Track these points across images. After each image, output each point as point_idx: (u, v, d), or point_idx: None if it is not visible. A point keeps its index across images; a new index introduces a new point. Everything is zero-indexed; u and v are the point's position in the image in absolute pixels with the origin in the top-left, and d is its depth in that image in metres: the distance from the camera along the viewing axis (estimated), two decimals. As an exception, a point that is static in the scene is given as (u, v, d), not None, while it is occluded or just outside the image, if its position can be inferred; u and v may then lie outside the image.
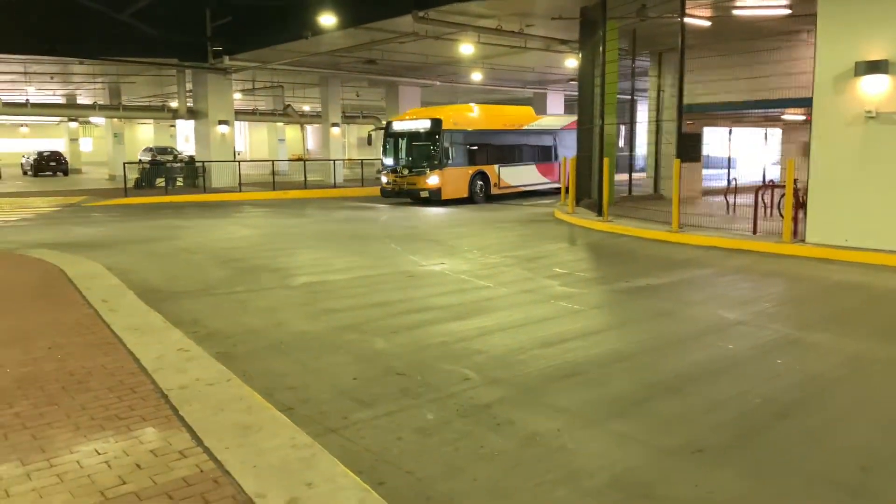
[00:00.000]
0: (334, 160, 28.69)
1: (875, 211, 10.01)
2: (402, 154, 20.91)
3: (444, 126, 19.70)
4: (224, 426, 3.83)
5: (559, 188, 23.02)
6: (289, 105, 34.74)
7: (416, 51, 21.61)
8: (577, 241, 12.82)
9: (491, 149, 21.44)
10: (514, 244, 12.30)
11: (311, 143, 49.71)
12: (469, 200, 20.51)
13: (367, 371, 5.32)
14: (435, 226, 15.40)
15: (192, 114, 27.07)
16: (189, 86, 27.17)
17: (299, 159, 36.53)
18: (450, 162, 19.99)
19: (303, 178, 26.97)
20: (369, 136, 24.47)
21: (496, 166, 21.58)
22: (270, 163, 28.25)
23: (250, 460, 3.42)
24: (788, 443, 4.06)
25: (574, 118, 24.94)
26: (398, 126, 21.07)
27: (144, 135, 56.61)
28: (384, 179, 21.17)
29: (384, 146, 21.43)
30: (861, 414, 4.54)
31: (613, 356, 5.70)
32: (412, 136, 20.64)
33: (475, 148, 20.88)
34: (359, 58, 23.44)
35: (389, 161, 21.15)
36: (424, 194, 19.79)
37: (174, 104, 29.32)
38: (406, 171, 20.25)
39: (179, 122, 34.68)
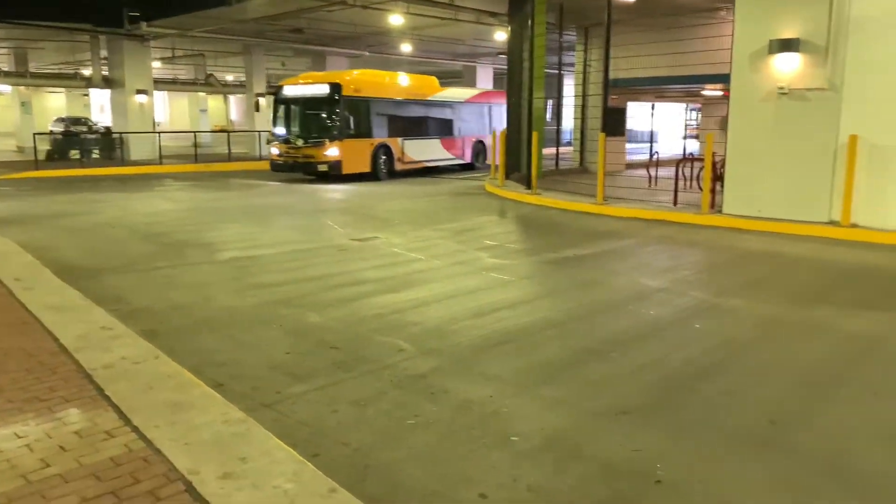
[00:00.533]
0: (259, 132, 27.94)
1: (786, 183, 10.55)
2: (296, 123, 18.95)
3: (344, 92, 18.02)
4: (153, 405, 3.75)
5: (463, 164, 22.78)
6: (211, 74, 33.57)
7: (345, 20, 21.17)
8: (506, 214, 13.00)
9: (395, 120, 19.96)
10: (445, 217, 12.35)
11: (235, 113, 48.23)
12: (372, 176, 19.14)
13: (300, 345, 5.29)
14: (361, 201, 15.29)
15: (107, 83, 25.82)
16: (104, 53, 25.85)
17: (222, 131, 35.39)
18: (351, 132, 18.24)
19: (226, 151, 26.19)
20: (256, 102, 22.54)
21: (400, 139, 20.08)
22: (192, 134, 27.28)
23: (182, 437, 3.36)
24: (707, 402, 4.29)
25: (478, 90, 25.02)
26: (291, 91, 18.95)
27: (56, 104, 53.49)
28: (275, 151, 19.04)
29: (274, 114, 19.38)
30: (773, 373, 4.83)
31: (543, 324, 5.85)
32: (307, 102, 18.70)
33: (378, 118, 19.31)
34: (285, 26, 22.80)
35: (281, 131, 19.08)
36: (323, 168, 18.04)
37: (88, 72, 27.88)
38: (301, 143, 18.35)
39: (94, 92, 32.99)
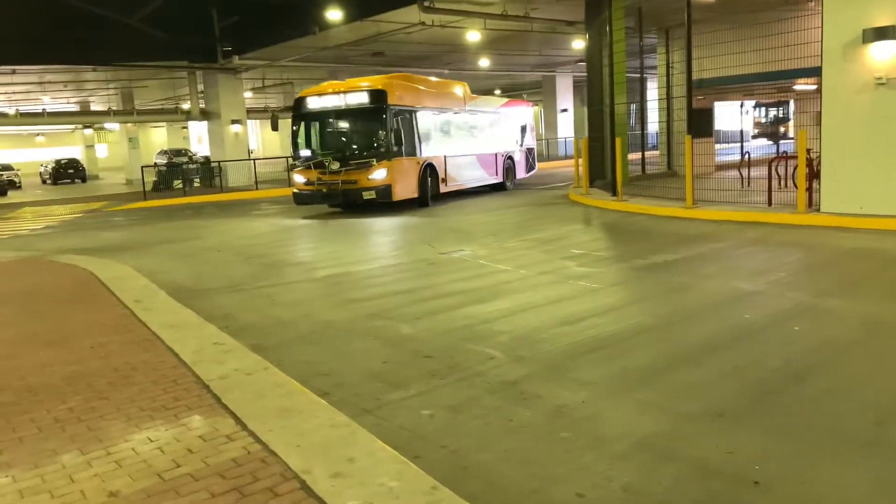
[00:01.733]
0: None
1: (888, 177, 10.05)
2: (328, 142, 15.89)
3: (390, 100, 14.94)
4: (266, 411, 4.05)
5: (494, 184, 19.76)
6: (299, 101, 34.95)
7: (423, 40, 21.72)
8: (592, 222, 12.95)
9: (437, 134, 17.17)
10: (529, 228, 12.44)
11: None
12: (418, 202, 16.18)
13: (396, 355, 5.53)
14: (439, 221, 15.56)
15: (204, 115, 27.41)
16: (200, 87, 27.49)
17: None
18: (400, 149, 15.19)
19: (317, 173, 27.19)
20: (273, 118, 17.32)
21: (443, 156, 17.23)
22: (285, 160, 28.51)
23: (293, 441, 3.63)
24: (806, 404, 4.21)
25: (506, 99, 22.78)
26: (317, 103, 15.60)
27: (158, 138, 57.16)
28: (300, 179, 15.58)
29: (294, 133, 15.86)
30: (875, 374, 4.67)
31: (633, 330, 5.86)
32: (342, 115, 15.70)
33: (424, 132, 16.34)
34: (366, 50, 23.60)
35: (306, 152, 15.80)
36: (369, 195, 14.81)
37: (186, 106, 29.69)
38: (337, 166, 14.94)
39: (192, 124, 35.05)
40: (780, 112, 35.84)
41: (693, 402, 4.31)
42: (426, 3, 16.00)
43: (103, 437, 3.82)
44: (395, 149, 15.05)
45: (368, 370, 5.20)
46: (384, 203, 15.23)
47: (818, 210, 10.92)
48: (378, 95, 14.93)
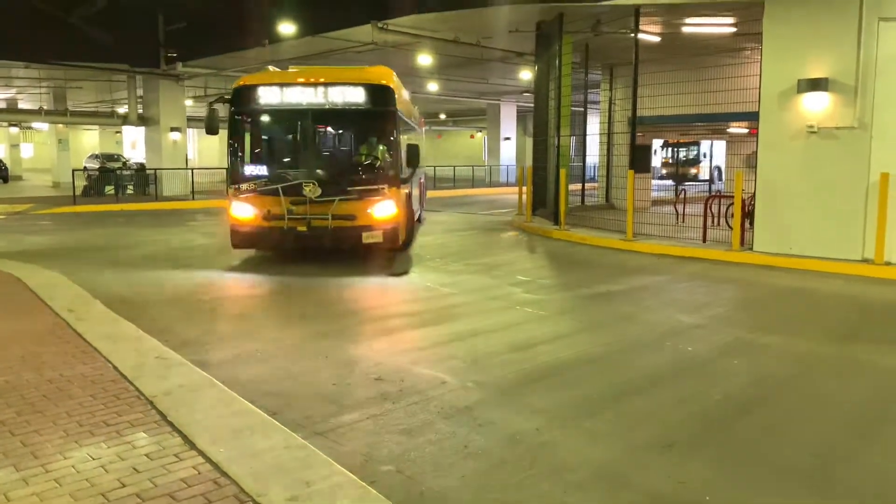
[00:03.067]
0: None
1: (816, 221, 10.59)
2: (296, 155, 10.67)
3: (398, 103, 10.59)
4: (215, 430, 3.91)
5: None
6: (242, 112, 34.34)
7: (374, 60, 21.72)
8: (536, 250, 13.14)
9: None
10: (475, 253, 12.52)
11: (263, 150, 49.12)
12: (404, 243, 11.26)
13: (346, 376, 5.43)
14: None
15: (142, 120, 26.61)
16: (140, 91, 26.70)
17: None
18: (412, 172, 11.80)
19: (257, 187, 26.67)
20: (211, 115, 10.97)
21: (419, 180, 14.85)
22: (224, 170, 27.87)
23: (246, 461, 3.51)
24: (750, 435, 4.36)
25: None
26: (277, 96, 10.32)
27: (89, 141, 55.06)
28: (247, 210, 10.17)
29: (234, 136, 10.52)
30: (812, 408, 4.88)
31: (582, 358, 5.95)
32: (321, 117, 10.57)
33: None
34: (315, 66, 23.45)
35: (255, 168, 10.53)
36: (372, 238, 10.08)
37: (123, 110, 28.78)
38: (317, 193, 9.87)
39: (126, 129, 33.98)
40: (689, 153, 34.97)
41: (643, 431, 4.39)
42: (379, 25, 16.05)
43: (39, 454, 3.60)
44: (406, 172, 10.84)
45: (318, 391, 5.10)
46: (394, 248, 10.67)
47: (751, 248, 11.39)
48: (382, 94, 10.18)
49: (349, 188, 10.07)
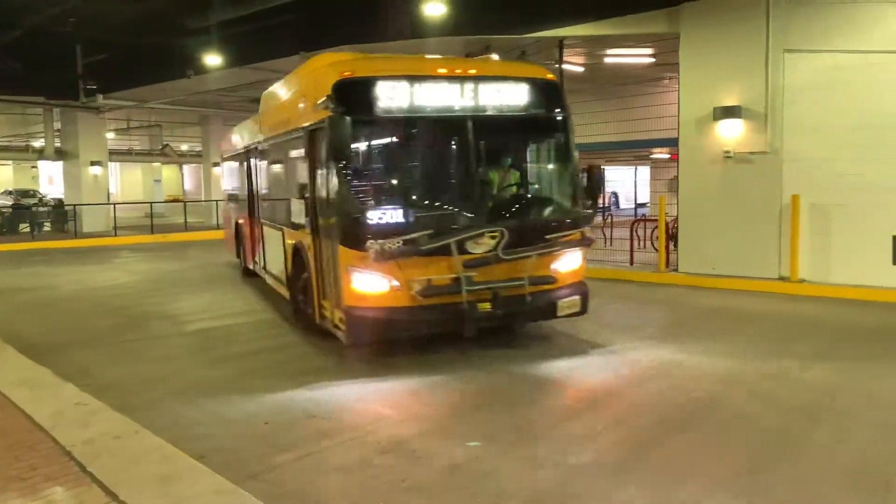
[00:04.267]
0: (217, 200, 27.83)
1: (736, 242, 11.03)
2: (461, 188, 6.85)
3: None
4: (139, 478, 3.71)
5: None
6: (167, 145, 33.55)
7: (302, 91, 21.63)
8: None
9: None
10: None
11: (189, 183, 47.98)
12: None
13: (279, 415, 5.28)
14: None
15: (60, 154, 25.58)
16: (57, 124, 25.69)
17: (175, 200, 35.12)
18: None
19: (182, 220, 25.99)
20: (340, 125, 6.09)
21: None
22: (148, 205, 27.04)
23: (174, 511, 3.34)
24: (683, 454, 4.44)
25: None
26: (421, 93, 6.54)
27: (1, 176, 52.48)
28: (386, 284, 6.25)
29: (341, 159, 6.22)
30: (742, 423, 5.02)
31: (517, 382, 5.96)
32: (482, 127, 6.69)
33: None
34: (243, 97, 23.12)
35: (391, 213, 6.28)
36: (569, 309, 7.01)
37: (39, 144, 27.63)
38: (495, 239, 6.27)
39: (43, 163, 32.61)
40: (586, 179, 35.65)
41: (581, 455, 4.42)
42: (307, 56, 16.00)
43: (-57, 516, 3.33)
44: (588, 204, 7.30)
45: (250, 431, 4.93)
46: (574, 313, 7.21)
47: (676, 270, 11.77)
48: (554, 94, 7.24)
49: (546, 235, 6.62)
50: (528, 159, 7.86)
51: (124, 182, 49.92)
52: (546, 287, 6.74)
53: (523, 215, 7.15)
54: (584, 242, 7.13)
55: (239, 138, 12.34)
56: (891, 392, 5.71)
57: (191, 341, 7.91)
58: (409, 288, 6.18)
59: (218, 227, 25.65)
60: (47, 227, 24.76)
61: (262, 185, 10.53)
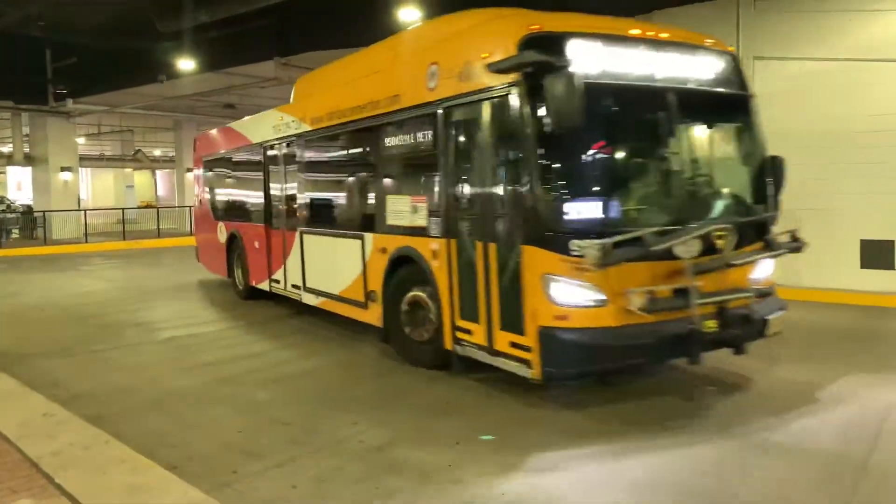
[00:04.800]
0: (190, 206, 27.53)
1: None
2: (675, 178, 5.44)
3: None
4: (109, 489, 3.66)
5: None
6: (139, 150, 33.17)
7: (277, 95, 21.48)
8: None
9: None
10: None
11: (162, 188, 47.49)
12: None
13: (252, 423, 5.23)
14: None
15: (29, 160, 25.13)
16: (26, 129, 25.25)
17: (148, 206, 34.71)
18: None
19: (155, 227, 25.67)
20: (570, 83, 4.56)
21: None
22: (120, 211, 26.66)
23: (143, 522, 3.30)
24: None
25: None
26: (633, 59, 5.40)
27: (-32, 182, 51.45)
28: (595, 298, 4.94)
29: (540, 139, 4.92)
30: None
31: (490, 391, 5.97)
32: (687, 103, 5.48)
33: None
34: (217, 102, 22.97)
35: (593, 207, 5.04)
36: (777, 328, 5.57)
37: (7, 149, 27.15)
38: (726, 239, 5.16)
39: (11, 169, 31.97)
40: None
41: (540, 460, 4.43)
42: (282, 61, 15.93)
43: None
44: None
45: (222, 440, 4.88)
46: None
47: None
48: (738, 70, 6.16)
49: (762, 234, 5.71)
50: (725, 143, 6.33)
51: (96, 188, 49.31)
52: (759, 300, 5.47)
53: (742, 210, 5.80)
54: (799, 244, 5.95)
55: (245, 135, 10.68)
56: None
57: (164, 349, 7.81)
58: (626, 302, 4.88)
59: (192, 234, 25.33)
60: (16, 233, 24.29)
61: (302, 186, 8.77)
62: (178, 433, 5.02)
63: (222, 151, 11.86)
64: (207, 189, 12.63)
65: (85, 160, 30.91)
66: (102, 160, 35.27)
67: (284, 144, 9.20)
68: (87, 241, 22.72)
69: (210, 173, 12.54)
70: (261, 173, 9.93)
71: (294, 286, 9.01)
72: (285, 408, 5.55)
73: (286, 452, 4.60)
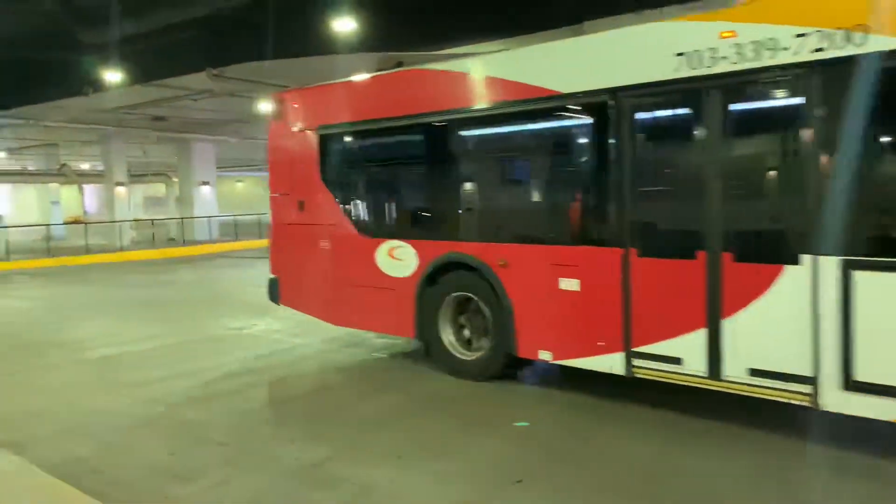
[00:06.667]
0: (121, 221, 26.65)
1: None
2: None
3: None
4: (26, 522, 3.45)
5: None
6: (65, 164, 31.90)
7: (211, 107, 21.03)
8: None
9: None
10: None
11: (91, 203, 45.74)
12: None
13: (184, 444, 5.05)
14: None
15: (-57, 175, 23.84)
16: (-61, 144, 23.98)
17: (76, 222, 33.37)
18: None
19: (83, 243, 24.67)
20: None
21: None
22: (45, 227, 25.54)
23: (63, 554, 3.12)
24: (587, 465, 4.52)
25: None
26: None
27: None
28: None
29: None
30: (639, 433, 5.15)
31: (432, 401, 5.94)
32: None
33: None
34: (146, 114, 22.30)
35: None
36: None
37: (-82, 165, 25.69)
38: None
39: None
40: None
41: (493, 471, 4.42)
42: (214, 72, 15.59)
43: None
44: None
45: (152, 463, 4.69)
46: None
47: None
48: None
49: None
50: None
51: (18, 204, 47.14)
52: None
53: None
54: None
55: (519, 80, 5.88)
56: None
57: (87, 370, 7.47)
58: None
59: (122, 249, 24.53)
60: (-72, 253, 22.96)
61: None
62: (104, 458, 4.80)
63: (406, 115, 6.71)
64: (334, 183, 7.45)
65: (5, 175, 29.49)
66: (25, 174, 33.68)
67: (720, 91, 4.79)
68: (9, 259, 21.67)
69: (348, 154, 7.56)
70: (584, 148, 5.84)
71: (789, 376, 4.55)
72: (219, 427, 5.37)
73: (221, 472, 4.47)
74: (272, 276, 8.07)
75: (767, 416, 4.95)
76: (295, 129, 7.80)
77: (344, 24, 12.35)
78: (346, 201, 7.38)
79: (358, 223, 7.27)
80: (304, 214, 7.60)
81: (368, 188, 7.50)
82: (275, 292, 8.06)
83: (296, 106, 8.00)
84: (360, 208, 7.45)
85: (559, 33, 12.13)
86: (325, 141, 7.45)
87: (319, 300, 7.52)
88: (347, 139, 7.49)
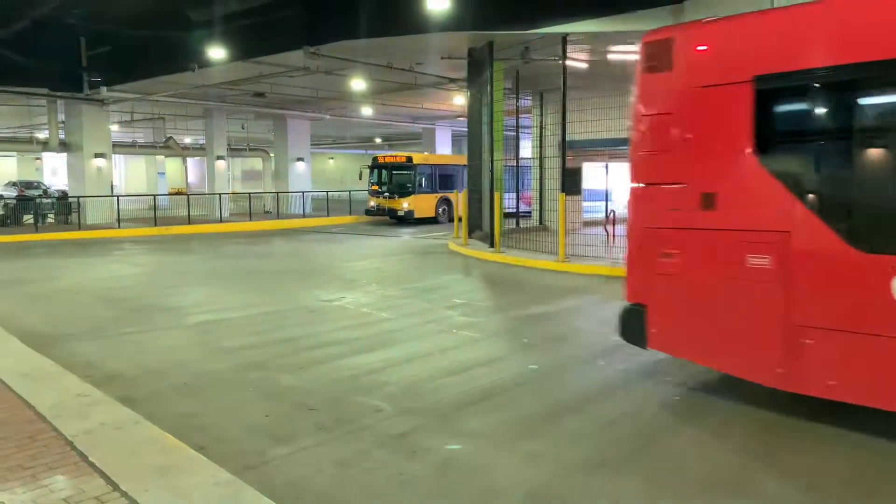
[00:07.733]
0: (220, 194, 27.92)
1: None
2: None
3: None
4: (140, 469, 3.76)
5: None
6: (171, 137, 33.59)
7: (307, 84, 21.62)
8: (471, 272, 13.23)
9: None
10: (411, 276, 12.51)
11: (192, 176, 48.08)
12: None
13: (278, 408, 5.33)
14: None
15: (64, 146, 25.62)
16: (62, 116, 25.74)
17: (178, 193, 35.17)
18: None
19: (185, 213, 26.03)
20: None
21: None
22: (152, 197, 27.09)
23: (173, 501, 3.39)
24: (677, 452, 4.47)
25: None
26: None
27: (6, 168, 52.64)
28: None
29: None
30: (735, 420, 5.05)
31: (516, 380, 6.00)
32: None
33: None
34: (246, 90, 23.16)
35: None
36: None
37: (43, 135, 27.67)
38: None
39: (47, 155, 32.69)
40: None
41: (576, 452, 4.45)
42: (311, 50, 16.01)
43: (-55, 504, 3.38)
44: None
45: (250, 424, 4.98)
46: None
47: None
48: None
49: None
50: None
51: (129, 174, 50.11)
52: None
53: None
54: None
55: None
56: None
57: (192, 334, 7.96)
58: None
59: (221, 221, 25.74)
60: (51, 218, 24.82)
61: None
62: (206, 415, 5.13)
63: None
64: (791, 166, 4.85)
65: (118, 147, 31.38)
66: (135, 147, 35.70)
67: None
68: (119, 227, 23.16)
69: (833, 118, 4.80)
70: None
71: None
72: (311, 394, 5.63)
73: (312, 437, 4.68)
74: (631, 303, 5.65)
75: None
76: (699, 82, 5.11)
77: (437, 3, 12.37)
78: (820, 195, 4.59)
79: (852, 231, 4.48)
80: (716, 214, 4.97)
81: (878, 176, 4.56)
82: (638, 329, 5.51)
83: (703, 47, 5.28)
84: (860, 207, 4.62)
85: (657, 12, 11.82)
86: (772, 99, 4.83)
87: (751, 351, 4.92)
88: (831, 93, 4.71)
